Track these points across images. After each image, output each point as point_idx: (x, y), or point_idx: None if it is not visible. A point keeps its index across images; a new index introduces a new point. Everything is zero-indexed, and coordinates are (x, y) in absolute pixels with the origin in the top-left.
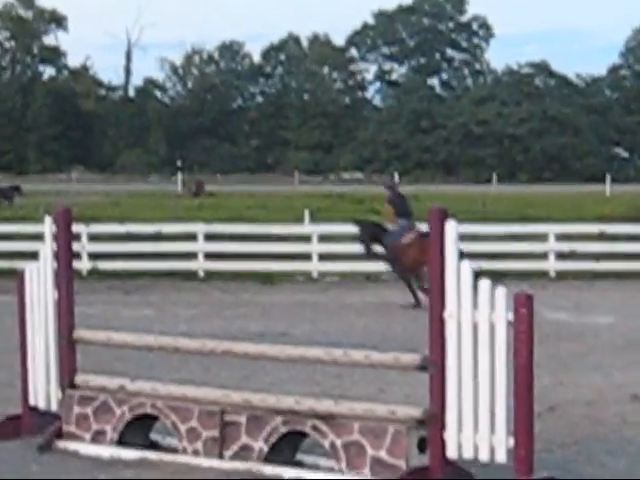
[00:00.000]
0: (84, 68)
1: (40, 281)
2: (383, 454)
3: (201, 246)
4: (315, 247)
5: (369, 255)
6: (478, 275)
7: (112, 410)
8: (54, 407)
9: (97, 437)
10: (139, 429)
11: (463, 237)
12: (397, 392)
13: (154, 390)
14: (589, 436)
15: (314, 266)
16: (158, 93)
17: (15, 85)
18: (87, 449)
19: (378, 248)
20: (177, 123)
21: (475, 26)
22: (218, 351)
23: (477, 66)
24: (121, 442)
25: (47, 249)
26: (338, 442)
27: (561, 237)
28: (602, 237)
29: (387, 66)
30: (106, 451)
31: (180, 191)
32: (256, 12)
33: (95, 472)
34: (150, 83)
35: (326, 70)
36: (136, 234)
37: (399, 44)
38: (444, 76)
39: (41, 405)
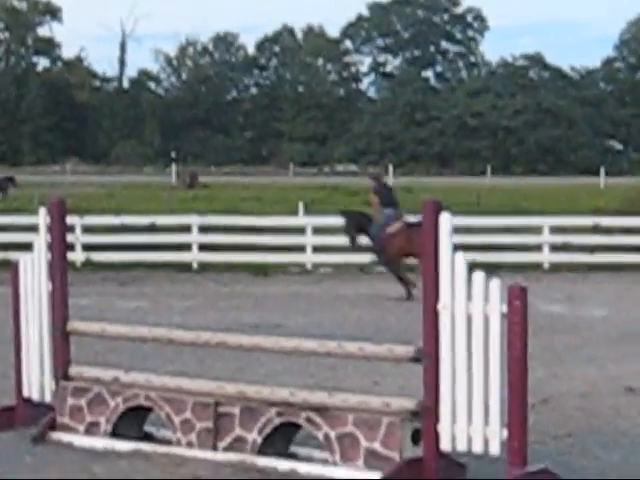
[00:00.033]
0: (78, 59)
1: (34, 272)
2: (377, 446)
3: (195, 238)
4: (309, 239)
5: (354, 246)
6: (472, 267)
7: (106, 402)
8: (48, 398)
9: (91, 429)
10: (133, 421)
11: (457, 229)
12: (391, 384)
13: (148, 382)
14: (583, 428)
15: (308, 258)
16: (152, 84)
17: (9, 76)
18: (81, 440)
19: (364, 239)
20: (171, 114)
21: (470, 18)
22: (212, 343)
23: (472, 58)
24: (115, 434)
25: (41, 240)
26: (332, 434)
27: (555, 229)
28: (596, 229)
29: (382, 58)
30: (100, 442)
31: (174, 183)
32: (250, 3)
33: (89, 463)
34: (144, 74)
35: (320, 62)
36: (130, 226)
37: (394, 36)
38: (439, 68)
39: (35, 396)
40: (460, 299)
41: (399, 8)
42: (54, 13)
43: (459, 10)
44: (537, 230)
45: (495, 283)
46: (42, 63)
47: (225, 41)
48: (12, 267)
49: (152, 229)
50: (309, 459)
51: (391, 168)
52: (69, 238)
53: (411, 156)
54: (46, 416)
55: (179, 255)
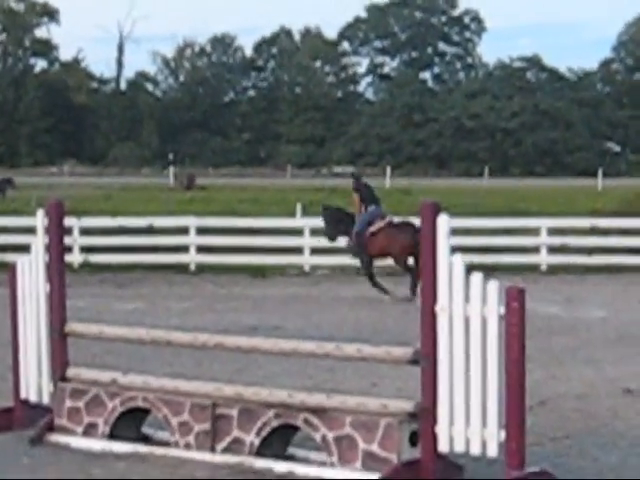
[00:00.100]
0: (76, 61)
1: (32, 274)
2: (375, 448)
3: (193, 239)
4: (307, 241)
5: (332, 239)
6: (470, 269)
7: (104, 403)
8: (46, 400)
9: (89, 430)
10: (131, 422)
11: (455, 231)
12: (389, 386)
13: (146, 383)
14: (581, 430)
15: (306, 259)
16: (150, 86)
17: (7, 78)
18: (79, 442)
19: (342, 239)
20: (169, 116)
21: (467, 20)
22: (210, 344)
23: (469, 60)
24: (113, 435)
25: (39, 242)
26: (330, 436)
27: (553, 231)
28: (594, 231)
29: (379, 60)
30: (98, 444)
31: (172, 184)
32: (248, 5)
33: (87, 465)
34: (142, 76)
35: (318, 64)
36: (128, 227)
37: (391, 38)
38: (436, 70)
39: (33, 398)
40: (458, 301)
41: (396, 10)
42: (51, 14)
43: (456, 12)
44: (535, 232)
45: (493, 285)
46: (39, 65)
47: (223, 43)
48: (10, 269)
49: (150, 231)
50: (307, 461)
51: (389, 170)
52: (67, 240)
53: (409, 158)
54: (44, 418)
55: (177, 257)
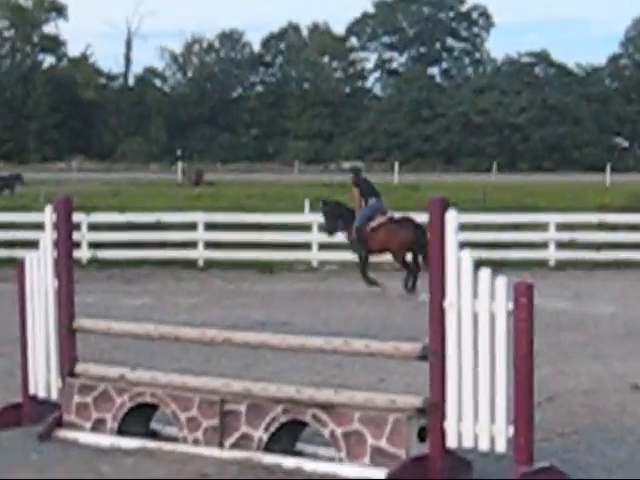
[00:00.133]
0: (84, 57)
1: (40, 270)
2: (383, 443)
3: (201, 235)
4: (315, 236)
5: (330, 234)
6: (478, 264)
7: (112, 399)
8: (54, 396)
9: (97, 426)
10: (139, 418)
11: (464, 227)
12: (397, 381)
13: (154, 379)
14: (589, 425)
15: (314, 255)
16: (158, 82)
17: (15, 74)
18: (87, 438)
19: (340, 234)
20: (177, 112)
21: (475, 15)
22: (218, 340)
23: (477, 55)
24: (121, 431)
25: (47, 238)
26: (338, 431)
27: (561, 226)
28: (602, 226)
29: (387, 55)
30: (106, 440)
31: (180, 180)
32: (256, 1)
33: (95, 461)
34: (150, 72)
35: (326, 59)
36: (136, 223)
37: (399, 33)
38: (444, 65)
39: (41, 394)
40: (466, 296)
41: (404, 5)
42: (60, 10)
43: (465, 7)
44: (543, 227)
45: (501, 280)
46: (48, 61)
47: (231, 38)
48: (18, 264)
49: (158, 226)
50: (315, 456)
51: (397, 165)
52: (75, 235)
53: (417, 153)
54: (52, 414)
55: (185, 252)
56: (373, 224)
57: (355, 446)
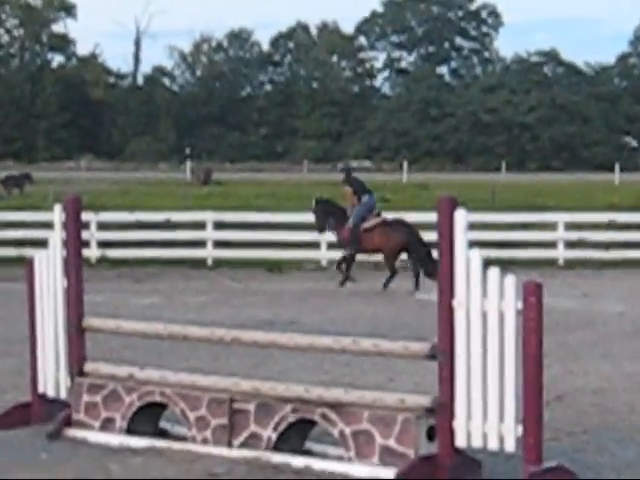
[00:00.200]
0: (93, 56)
1: (49, 269)
2: (392, 443)
3: (210, 234)
4: (324, 235)
5: (321, 232)
6: (487, 263)
7: (121, 398)
8: (63, 395)
9: (106, 425)
10: (148, 417)
11: (472, 226)
12: (406, 381)
13: (163, 378)
14: (598, 425)
15: (323, 254)
16: (167, 81)
17: (24, 73)
18: (96, 437)
19: (330, 234)
20: (186, 111)
21: (484, 14)
22: (227, 339)
23: (486, 54)
24: (130, 430)
25: (56, 237)
26: (347, 430)
27: (570, 226)
28: (611, 226)
29: (396, 54)
30: (115, 439)
31: (189, 179)
32: (265, 0)
33: (104, 460)
34: (159, 71)
35: (335, 58)
36: (145, 222)
37: (408, 32)
38: (453, 64)
39: (50, 393)
40: (475, 296)
41: (413, 4)
42: (69, 10)
43: (473, 6)
44: (552, 226)
45: (510, 279)
46: (57, 60)
47: (239, 37)
48: (27, 264)
49: (167, 226)
50: (324, 455)
51: (406, 164)
52: (84, 235)
53: (426, 152)
54: (61, 412)
55: (194, 251)
56: (366, 225)
57: (364, 445)
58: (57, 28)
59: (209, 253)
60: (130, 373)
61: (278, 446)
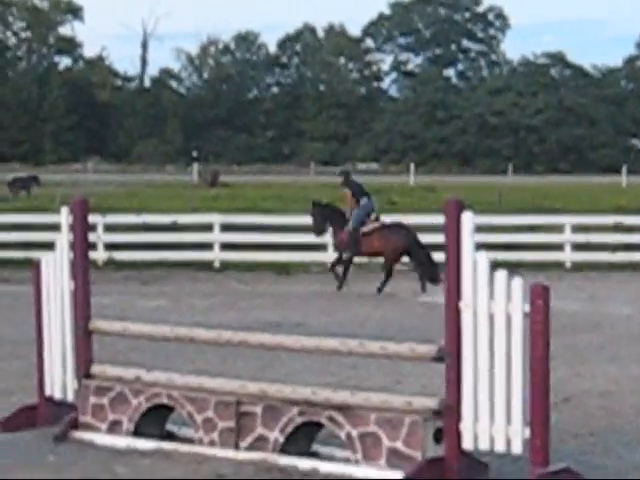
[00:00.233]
0: (100, 58)
1: (56, 271)
2: (399, 445)
3: (217, 236)
4: (331, 238)
5: (318, 235)
6: (494, 266)
7: (128, 400)
8: (70, 397)
9: (113, 427)
10: (155, 419)
11: (479, 228)
12: (413, 383)
13: (170, 380)
14: (605, 427)
15: (330, 257)
16: (174, 83)
17: (31, 75)
18: (103, 439)
19: (328, 236)
20: (193, 113)
21: (491, 17)
22: (234, 341)
23: (493, 57)
24: (137, 432)
25: (63, 239)
26: (354, 433)
27: (577, 228)
28: (618, 228)
29: (403, 57)
30: (122, 441)
31: (196, 181)
32: (272, 2)
33: (111, 462)
34: (166, 73)
35: (342, 60)
36: (152, 224)
37: (415, 35)
38: (460, 67)
39: (57, 395)
40: (482, 298)
41: (420, 7)
42: (75, 12)
43: (480, 9)
44: (559, 229)
45: (517, 282)
46: (64, 62)
47: (246, 40)
48: (34, 266)
49: (174, 228)
50: (331, 458)
51: (413, 167)
52: (91, 237)
53: (433, 155)
54: (68, 415)
55: (201, 254)
56: (365, 229)
57: (371, 448)
58: (64, 30)
59: (216, 255)
60: (137, 375)
61: (285, 448)
